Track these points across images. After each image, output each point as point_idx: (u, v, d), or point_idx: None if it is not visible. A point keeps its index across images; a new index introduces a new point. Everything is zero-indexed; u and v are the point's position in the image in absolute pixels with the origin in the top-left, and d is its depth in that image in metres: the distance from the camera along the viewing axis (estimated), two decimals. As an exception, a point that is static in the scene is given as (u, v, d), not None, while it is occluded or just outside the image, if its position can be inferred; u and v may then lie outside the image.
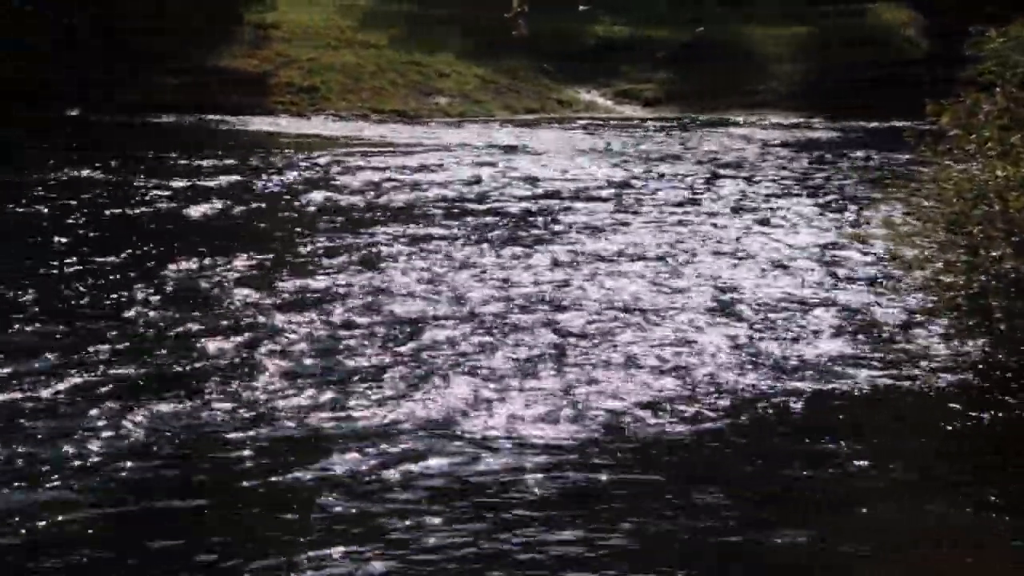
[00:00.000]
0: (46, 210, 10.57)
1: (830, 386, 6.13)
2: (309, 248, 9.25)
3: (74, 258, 8.51)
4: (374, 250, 9.12)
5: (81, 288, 7.72)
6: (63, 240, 9.21)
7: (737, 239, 9.91)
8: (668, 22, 23.72)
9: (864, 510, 4.74)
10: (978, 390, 6.18)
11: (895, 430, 5.77)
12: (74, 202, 10.90)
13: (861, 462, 5.22)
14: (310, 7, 23.80)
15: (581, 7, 22.95)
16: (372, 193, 11.81)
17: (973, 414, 5.81)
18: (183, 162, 13.64)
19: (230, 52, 21.43)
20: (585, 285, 8.08)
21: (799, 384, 6.13)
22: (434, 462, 5.04)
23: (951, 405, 5.93)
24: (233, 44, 21.67)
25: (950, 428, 5.71)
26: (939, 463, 5.41)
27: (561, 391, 5.93)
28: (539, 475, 4.94)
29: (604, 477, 4.98)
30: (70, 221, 10.09)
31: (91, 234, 9.61)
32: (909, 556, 4.46)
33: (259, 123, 18.68)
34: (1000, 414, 5.80)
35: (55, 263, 8.36)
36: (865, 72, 22.33)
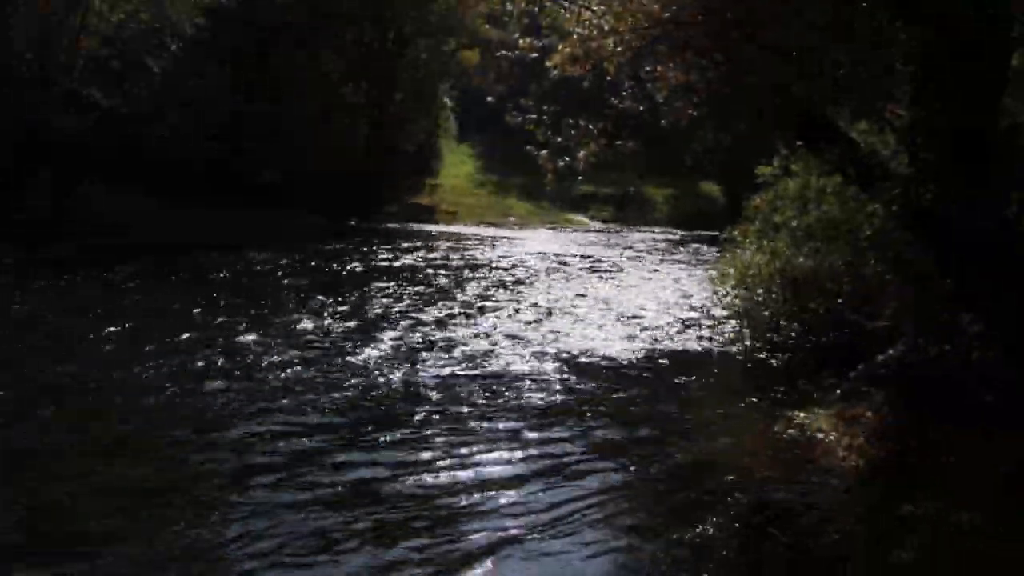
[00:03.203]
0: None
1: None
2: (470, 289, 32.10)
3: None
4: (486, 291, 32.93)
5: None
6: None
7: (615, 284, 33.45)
8: (616, 184, 48.62)
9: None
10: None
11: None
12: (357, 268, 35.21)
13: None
14: (455, 176, 49.52)
15: (579, 178, 47.91)
16: (480, 262, 35.84)
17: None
18: (404, 244, 37.60)
19: (419, 195, 46.76)
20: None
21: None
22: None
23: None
24: (420, 191, 47.08)
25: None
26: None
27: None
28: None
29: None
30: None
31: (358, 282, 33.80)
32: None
33: (430, 227, 43.25)
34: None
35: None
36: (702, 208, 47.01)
